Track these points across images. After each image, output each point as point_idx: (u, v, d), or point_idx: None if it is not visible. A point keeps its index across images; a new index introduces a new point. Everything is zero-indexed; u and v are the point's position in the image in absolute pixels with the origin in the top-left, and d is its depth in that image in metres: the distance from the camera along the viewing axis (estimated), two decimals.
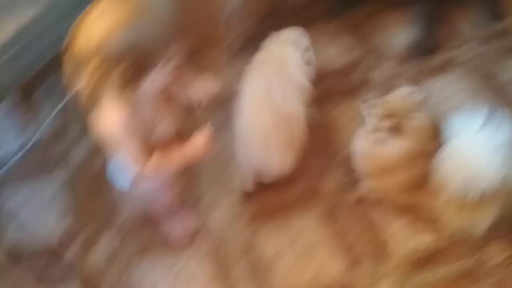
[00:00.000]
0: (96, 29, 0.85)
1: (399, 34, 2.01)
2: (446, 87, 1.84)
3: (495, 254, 1.47)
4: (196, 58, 1.13)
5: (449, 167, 1.28)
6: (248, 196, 1.58)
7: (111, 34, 0.84)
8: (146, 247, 1.50)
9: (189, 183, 1.57)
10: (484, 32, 2.02)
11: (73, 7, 0.94)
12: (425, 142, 1.33)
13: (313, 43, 1.85)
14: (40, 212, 1.54)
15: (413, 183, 1.38)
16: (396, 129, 1.32)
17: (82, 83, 0.90)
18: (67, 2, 1.04)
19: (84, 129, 1.67)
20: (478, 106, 1.45)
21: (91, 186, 1.60)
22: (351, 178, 1.61)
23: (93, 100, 0.93)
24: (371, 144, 1.40)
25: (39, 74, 1.74)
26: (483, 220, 1.36)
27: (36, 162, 1.65)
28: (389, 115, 1.32)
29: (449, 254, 1.48)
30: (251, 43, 1.86)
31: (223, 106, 1.60)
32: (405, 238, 1.51)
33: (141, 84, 0.92)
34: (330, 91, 1.83)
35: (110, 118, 0.97)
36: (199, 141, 1.10)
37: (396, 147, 1.34)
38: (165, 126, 1.11)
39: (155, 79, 0.93)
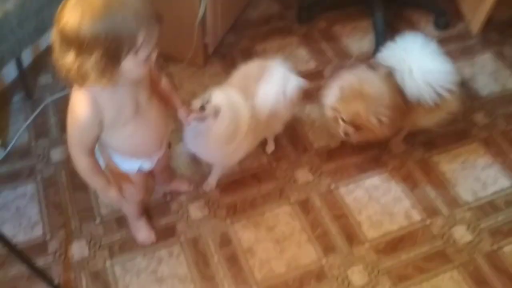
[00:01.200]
0: (72, 15, 0.84)
1: (359, 40, 2.13)
2: None
3: (462, 235, 1.55)
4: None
5: None
6: (224, 190, 1.62)
7: (85, 21, 0.83)
8: (126, 241, 1.50)
9: (165, 181, 1.60)
10: (443, 34, 2.16)
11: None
12: None
13: (281, 50, 2.02)
14: (15, 218, 1.54)
15: None
16: None
17: (63, 66, 0.89)
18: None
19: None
20: None
21: (71, 184, 1.61)
22: (323, 169, 1.69)
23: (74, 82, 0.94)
24: None
25: (4, 93, 1.82)
26: None
27: (13, 169, 1.65)
28: None
29: (420, 235, 1.55)
30: (215, 55, 1.99)
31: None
32: (376, 223, 1.57)
33: (114, 75, 0.91)
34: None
35: (78, 110, 0.98)
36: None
37: None
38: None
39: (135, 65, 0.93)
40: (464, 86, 1.96)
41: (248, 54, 2.03)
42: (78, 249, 1.49)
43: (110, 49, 0.86)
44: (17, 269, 1.43)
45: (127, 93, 1.02)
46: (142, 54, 0.90)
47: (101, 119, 1.00)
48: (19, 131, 1.74)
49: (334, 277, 1.46)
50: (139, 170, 1.22)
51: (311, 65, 2.02)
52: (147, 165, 1.22)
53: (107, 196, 1.18)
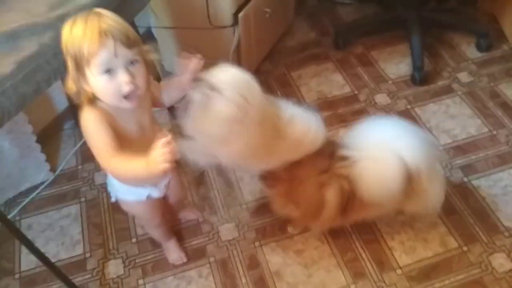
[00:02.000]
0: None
1: (397, 64, 2.12)
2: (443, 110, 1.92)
3: (501, 263, 1.47)
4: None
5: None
6: (254, 213, 1.64)
7: (62, 35, 0.96)
8: (159, 261, 1.56)
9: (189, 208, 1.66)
10: (486, 55, 2.10)
11: None
12: None
13: (316, 76, 2.07)
14: (59, 237, 1.65)
15: None
16: None
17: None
18: None
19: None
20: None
21: (112, 206, 1.69)
22: None
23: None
24: None
25: (56, 121, 1.96)
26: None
27: (57, 193, 1.78)
28: None
29: (456, 263, 1.48)
30: None
31: None
32: (409, 249, 1.52)
33: (84, 87, 0.98)
34: (337, 114, 1.93)
35: (86, 118, 1.03)
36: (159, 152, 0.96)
37: None
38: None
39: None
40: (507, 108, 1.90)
41: (284, 81, 2.08)
42: (114, 267, 1.56)
43: (74, 60, 0.95)
44: (59, 285, 1.51)
45: (130, 116, 1.08)
46: (97, 68, 0.95)
47: (110, 124, 1.03)
48: (68, 156, 1.87)
49: None
50: (148, 198, 1.27)
51: (346, 89, 2.03)
52: (155, 193, 1.27)
53: (156, 173, 0.95)
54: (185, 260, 1.55)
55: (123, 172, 1.03)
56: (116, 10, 1.22)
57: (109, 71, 0.96)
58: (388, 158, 1.26)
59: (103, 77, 0.96)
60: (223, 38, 1.81)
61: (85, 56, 0.94)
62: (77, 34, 0.94)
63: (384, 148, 1.27)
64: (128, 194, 1.27)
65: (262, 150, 1.22)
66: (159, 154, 0.92)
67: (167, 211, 1.60)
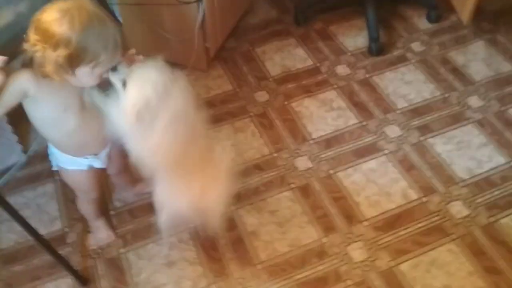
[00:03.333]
0: (56, 13, 0.94)
1: (354, 37, 2.23)
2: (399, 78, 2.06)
3: (459, 210, 1.60)
4: None
5: None
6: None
7: (64, 22, 0.94)
8: (138, 230, 1.61)
9: None
10: (436, 26, 2.25)
11: None
12: None
13: (280, 51, 2.15)
14: (36, 215, 1.66)
15: None
16: None
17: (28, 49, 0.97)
18: None
19: None
20: None
21: None
22: (322, 156, 1.78)
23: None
24: None
25: None
26: None
27: (31, 173, 1.79)
28: None
29: (417, 212, 1.61)
30: (217, 59, 2.12)
31: None
32: (374, 203, 1.64)
33: (67, 75, 1.00)
34: (301, 85, 2.03)
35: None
36: None
37: None
38: None
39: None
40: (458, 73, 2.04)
41: (248, 57, 2.15)
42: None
43: (73, 54, 0.96)
44: (39, 259, 1.54)
45: (72, 90, 1.10)
46: (98, 70, 1.02)
47: (26, 92, 1.05)
48: (39, 136, 1.87)
49: (335, 254, 1.53)
50: (90, 167, 1.30)
51: (309, 62, 2.13)
52: (97, 163, 1.31)
53: None
54: (113, 238, 1.59)
55: None
56: None
57: None
58: None
59: (98, 74, 1.03)
60: (188, 14, 1.86)
61: (98, 61, 0.99)
62: (96, 41, 0.97)
63: None
64: (69, 163, 1.29)
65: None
66: None
67: (120, 186, 1.68)
